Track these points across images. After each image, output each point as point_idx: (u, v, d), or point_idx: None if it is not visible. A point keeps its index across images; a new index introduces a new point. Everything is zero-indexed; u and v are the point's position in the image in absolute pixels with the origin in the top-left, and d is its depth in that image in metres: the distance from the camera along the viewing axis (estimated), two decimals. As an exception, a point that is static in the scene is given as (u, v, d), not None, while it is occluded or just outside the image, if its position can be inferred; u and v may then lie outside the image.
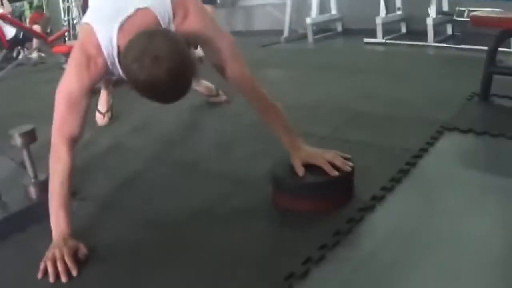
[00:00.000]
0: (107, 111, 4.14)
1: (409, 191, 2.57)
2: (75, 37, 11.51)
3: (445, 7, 7.56)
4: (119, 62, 2.29)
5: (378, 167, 2.82)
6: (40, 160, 3.09)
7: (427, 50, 6.77)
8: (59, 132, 2.41)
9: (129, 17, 2.31)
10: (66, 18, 12.90)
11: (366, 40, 7.33)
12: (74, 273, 2.09)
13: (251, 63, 2.86)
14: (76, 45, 2.42)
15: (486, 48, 3.83)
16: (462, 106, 3.75)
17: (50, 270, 2.09)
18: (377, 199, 2.44)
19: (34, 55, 9.62)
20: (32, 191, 2.72)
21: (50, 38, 9.48)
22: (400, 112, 3.34)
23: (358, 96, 3.84)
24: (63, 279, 2.06)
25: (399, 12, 7.84)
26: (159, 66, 1.99)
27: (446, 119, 3.43)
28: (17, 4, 16.41)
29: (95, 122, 4.07)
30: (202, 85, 4.41)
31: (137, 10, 2.33)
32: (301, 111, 3.93)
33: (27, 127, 2.66)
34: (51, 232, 2.33)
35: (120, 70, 2.33)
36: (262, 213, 2.46)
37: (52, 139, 2.42)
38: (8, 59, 9.52)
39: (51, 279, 2.07)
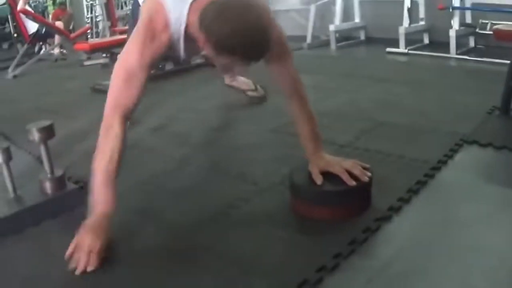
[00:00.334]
0: None
1: (426, 203, 2.55)
2: (97, 34, 11.56)
3: (468, 20, 7.54)
4: (188, 34, 2.31)
5: (396, 178, 2.81)
6: (57, 156, 3.13)
7: (449, 62, 6.74)
8: (114, 105, 2.37)
9: None
10: (89, 16, 12.93)
11: (388, 49, 7.31)
12: (91, 269, 2.11)
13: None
14: (142, 20, 2.37)
15: (508, 62, 3.79)
16: (482, 120, 3.73)
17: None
18: (394, 209, 2.43)
19: (56, 51, 9.66)
20: (48, 187, 2.71)
21: (72, 35, 9.52)
22: (421, 123, 3.33)
23: (380, 105, 3.83)
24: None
25: (422, 23, 7.82)
26: (250, 13, 2.04)
27: (465, 132, 3.41)
28: (41, 0, 16.48)
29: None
30: (240, 80, 4.44)
31: None
32: (323, 118, 3.88)
33: (45, 123, 2.66)
34: (65, 227, 2.39)
35: (181, 47, 2.38)
36: (279, 219, 2.45)
37: (105, 112, 2.38)
38: (30, 54, 9.56)
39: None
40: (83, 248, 2.14)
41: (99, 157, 2.34)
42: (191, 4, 2.28)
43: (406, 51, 7.21)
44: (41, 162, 2.78)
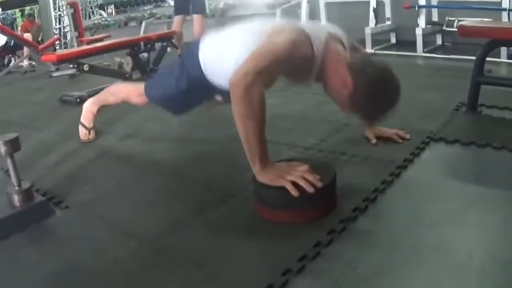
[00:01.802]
0: (93, 127, 3.98)
1: (392, 202, 2.55)
2: (65, 45, 11.52)
3: (435, 17, 7.59)
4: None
5: (362, 178, 2.80)
6: (25, 168, 3.13)
7: (416, 60, 6.79)
8: (256, 71, 2.40)
9: (331, 33, 2.72)
10: (57, 27, 12.89)
11: (354, 50, 7.34)
12: (320, 184, 2.33)
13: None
14: (289, 34, 2.55)
15: (474, 57, 3.81)
16: (449, 117, 3.75)
17: (302, 183, 2.32)
18: (359, 210, 2.41)
19: (25, 63, 9.64)
20: (16, 199, 2.68)
21: (41, 46, 9.49)
22: (387, 122, 3.31)
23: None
24: (311, 190, 2.31)
25: (388, 23, 7.88)
26: (399, 87, 2.66)
27: (432, 130, 3.43)
28: (9, 11, 16.46)
29: (78, 133, 4.01)
30: None
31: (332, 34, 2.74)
32: (288, 121, 3.93)
33: (11, 135, 2.62)
34: (34, 240, 2.43)
35: (313, 73, 2.68)
36: (244, 224, 2.44)
37: (249, 80, 2.37)
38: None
39: (310, 188, 2.31)
40: (296, 173, 2.37)
41: (249, 124, 2.40)
42: (327, 38, 2.66)
43: (372, 51, 7.25)
44: (8, 175, 2.75)
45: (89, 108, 3.96)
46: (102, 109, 3.96)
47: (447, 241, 2.14)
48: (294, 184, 2.33)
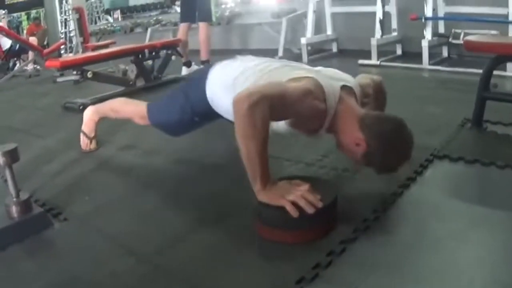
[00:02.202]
0: (95, 137, 3.96)
1: (393, 222, 2.53)
2: (71, 50, 11.52)
3: (441, 29, 7.56)
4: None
5: (364, 197, 2.77)
6: (26, 177, 3.21)
7: (422, 73, 6.75)
8: (268, 95, 2.37)
9: (344, 86, 2.73)
10: (63, 31, 12.88)
11: (360, 61, 7.31)
12: (320, 205, 2.30)
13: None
14: (304, 87, 2.53)
15: (481, 71, 3.78)
16: (454, 133, 3.72)
17: (302, 203, 2.28)
18: (360, 230, 2.38)
19: (30, 67, 9.64)
20: (14, 210, 2.66)
21: (46, 50, 9.49)
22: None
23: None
24: (312, 210, 2.27)
25: (394, 34, 7.85)
26: (411, 137, 2.64)
27: (436, 146, 3.39)
28: (15, 14, 16.49)
29: (79, 142, 3.99)
30: None
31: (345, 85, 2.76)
32: (289, 136, 3.89)
33: (10, 146, 2.60)
34: (32, 251, 2.44)
35: (324, 127, 2.67)
36: (243, 243, 2.40)
37: (255, 99, 2.32)
38: (4, 70, 9.55)
39: (310, 210, 2.27)
40: (297, 193, 2.34)
41: (252, 142, 2.35)
42: (341, 95, 2.66)
43: (378, 62, 7.23)
44: (7, 184, 2.72)
45: (90, 116, 3.94)
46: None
47: (448, 263, 2.10)
48: (295, 204, 2.29)
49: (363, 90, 2.95)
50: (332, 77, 2.77)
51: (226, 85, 2.93)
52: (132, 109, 3.66)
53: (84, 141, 3.95)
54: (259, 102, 2.30)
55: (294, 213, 2.27)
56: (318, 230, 2.35)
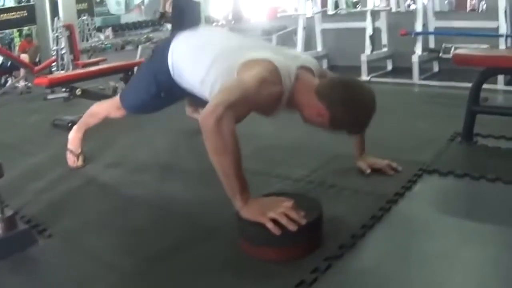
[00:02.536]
0: (81, 153, 3.95)
1: (380, 239, 2.48)
2: (63, 67, 11.49)
3: (432, 44, 7.57)
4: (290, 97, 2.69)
5: (350, 213, 2.73)
6: (12, 194, 3.18)
7: (413, 88, 6.77)
8: (228, 104, 2.37)
9: (302, 65, 2.78)
10: (55, 48, 12.85)
11: (350, 78, 7.31)
12: (303, 222, 2.26)
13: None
14: (259, 70, 2.58)
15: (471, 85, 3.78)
16: (443, 147, 3.72)
17: (284, 221, 2.24)
18: (346, 247, 2.34)
19: (21, 84, 9.62)
20: (-2, 227, 2.64)
21: (37, 68, 9.48)
22: (379, 153, 3.27)
23: (338, 136, 3.75)
24: (294, 228, 2.23)
25: (385, 49, 7.87)
26: (371, 94, 2.67)
27: (426, 161, 3.38)
28: (7, 31, 16.49)
29: (66, 159, 3.96)
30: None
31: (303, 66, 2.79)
32: (279, 151, 3.89)
33: (-6, 163, 2.57)
34: (16, 268, 2.41)
35: (281, 107, 2.72)
36: (227, 261, 2.36)
37: (216, 103, 2.38)
38: (-4, 86, 9.56)
39: (292, 227, 2.22)
40: (279, 210, 2.29)
41: (224, 158, 2.37)
42: (297, 72, 2.70)
43: (368, 78, 7.23)
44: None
45: (74, 134, 3.96)
46: (88, 134, 3.97)
47: (437, 281, 2.07)
48: (277, 221, 2.27)
49: (322, 72, 3.01)
50: (291, 57, 2.84)
51: (187, 60, 3.10)
52: (107, 105, 3.82)
53: (70, 158, 3.94)
54: (224, 115, 2.32)
55: (275, 231, 2.24)
56: (302, 247, 2.31)
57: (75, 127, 4.00)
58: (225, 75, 2.75)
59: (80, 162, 3.93)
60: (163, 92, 3.33)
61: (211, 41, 3.14)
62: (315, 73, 2.84)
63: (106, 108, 3.82)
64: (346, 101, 2.56)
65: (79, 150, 3.94)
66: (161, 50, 3.30)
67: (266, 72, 2.57)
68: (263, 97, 2.54)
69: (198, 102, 3.41)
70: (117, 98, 3.70)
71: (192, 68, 3.05)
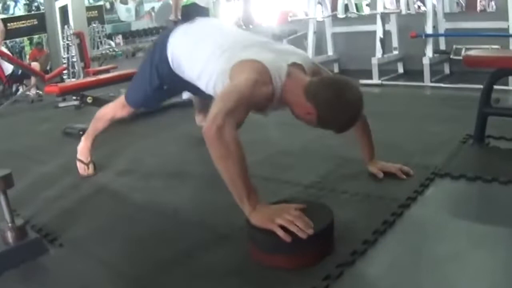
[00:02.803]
0: (90, 161, 3.97)
1: (393, 244, 2.46)
2: (74, 75, 11.53)
3: (442, 46, 7.54)
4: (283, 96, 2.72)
5: (362, 219, 2.71)
6: (23, 203, 3.23)
7: (424, 91, 6.74)
8: (226, 112, 2.41)
9: (294, 63, 2.80)
10: (65, 56, 12.90)
11: (362, 81, 7.28)
12: (311, 231, 2.22)
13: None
14: (249, 72, 2.64)
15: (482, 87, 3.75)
16: (455, 150, 3.69)
17: (294, 228, 2.23)
18: (358, 253, 2.32)
19: (32, 92, 9.65)
20: (9, 236, 2.63)
21: (47, 76, 9.50)
22: (391, 157, 3.26)
23: (349, 141, 3.75)
24: (304, 235, 2.21)
25: (395, 52, 7.84)
26: (357, 94, 2.66)
27: (438, 165, 3.35)
28: (17, 39, 16.56)
29: (77, 168, 3.98)
30: None
31: (294, 63, 2.81)
32: (289, 157, 3.87)
33: (3, 171, 2.57)
34: (27, 277, 2.43)
35: (272, 106, 2.77)
36: (237, 268, 2.35)
37: (216, 113, 2.41)
38: (7, 95, 9.57)
39: (302, 234, 2.21)
40: (288, 217, 2.28)
41: (228, 164, 2.38)
42: (288, 71, 2.72)
43: (380, 82, 7.21)
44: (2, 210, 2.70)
45: (83, 144, 4.00)
46: (98, 143, 4.01)
47: (449, 285, 2.06)
48: (286, 228, 2.26)
49: (314, 69, 3.01)
50: (283, 54, 2.89)
51: (184, 53, 3.21)
52: (112, 105, 3.85)
53: (81, 167, 3.96)
54: (224, 123, 2.35)
55: (286, 238, 2.22)
56: (313, 254, 2.29)
57: (83, 137, 4.03)
58: (219, 75, 2.86)
59: (90, 171, 3.95)
60: (165, 85, 3.44)
61: (206, 35, 3.19)
62: (306, 70, 2.87)
63: (112, 108, 3.85)
64: (335, 105, 2.58)
65: (89, 159, 3.96)
66: (160, 42, 3.35)
67: (257, 74, 2.63)
68: (256, 98, 2.60)
69: (202, 95, 3.48)
70: (121, 97, 3.75)
71: (189, 62, 3.16)
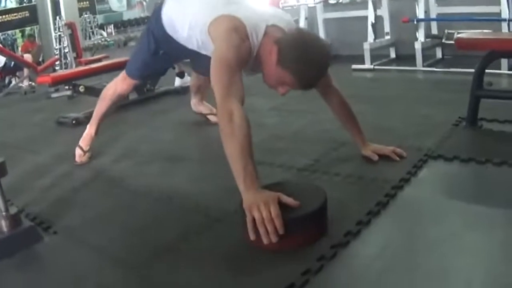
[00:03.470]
0: (89, 150, 4.00)
1: (386, 225, 2.47)
2: (66, 66, 11.52)
3: (434, 30, 7.54)
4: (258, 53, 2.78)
5: (356, 200, 2.72)
6: (18, 192, 3.25)
7: (416, 75, 6.74)
8: (227, 93, 2.52)
9: (269, 26, 2.81)
10: (57, 47, 12.88)
11: (354, 66, 7.29)
12: (281, 231, 2.20)
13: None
14: (227, 28, 2.73)
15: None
16: (448, 132, 3.70)
17: (261, 230, 2.21)
18: (352, 234, 2.33)
19: (25, 83, 9.63)
20: (3, 225, 2.62)
21: (40, 67, 9.49)
22: (384, 140, 3.26)
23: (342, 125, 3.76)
24: (266, 241, 2.21)
25: (387, 37, 7.83)
26: (327, 50, 2.74)
27: (431, 147, 3.37)
28: (9, 32, 16.52)
29: (72, 155, 3.99)
30: (205, 105, 4.65)
31: (274, 25, 2.84)
32: (283, 141, 3.88)
33: (-4, 160, 2.57)
34: (22, 266, 2.42)
35: (250, 63, 2.79)
36: (231, 251, 2.36)
37: (222, 100, 2.52)
38: (0, 87, 9.57)
39: (265, 239, 2.21)
40: (265, 212, 2.23)
41: (232, 141, 2.42)
42: (266, 31, 2.77)
43: (372, 67, 7.21)
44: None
45: (87, 131, 4.03)
46: (101, 128, 4.04)
47: (444, 266, 2.05)
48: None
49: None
50: (266, 14, 2.94)
51: (175, 16, 3.28)
52: (113, 82, 3.92)
53: (78, 154, 3.98)
54: (232, 107, 2.47)
55: (251, 234, 2.26)
56: (306, 235, 2.30)
57: (88, 125, 4.07)
58: (202, 27, 2.96)
59: (85, 158, 3.96)
60: (161, 49, 3.49)
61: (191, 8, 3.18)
62: (285, 31, 2.88)
63: (113, 84, 3.91)
64: (296, 42, 2.64)
65: (88, 147, 3.99)
66: (158, 8, 3.41)
67: (233, 30, 2.71)
68: (242, 57, 2.68)
69: (197, 66, 3.78)
70: (122, 72, 3.82)
71: (180, 22, 3.22)
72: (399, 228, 2.46)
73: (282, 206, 2.27)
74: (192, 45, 3.17)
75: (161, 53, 3.50)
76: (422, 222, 2.47)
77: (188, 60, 4.08)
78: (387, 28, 7.85)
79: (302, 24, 8.47)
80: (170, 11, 3.29)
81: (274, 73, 2.70)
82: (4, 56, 9.66)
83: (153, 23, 3.45)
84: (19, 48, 15.81)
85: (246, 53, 2.70)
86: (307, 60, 2.61)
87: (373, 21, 7.59)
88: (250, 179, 2.35)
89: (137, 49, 3.80)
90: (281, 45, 2.64)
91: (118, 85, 3.83)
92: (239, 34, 2.68)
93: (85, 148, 3.98)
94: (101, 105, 3.95)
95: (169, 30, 3.29)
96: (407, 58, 7.29)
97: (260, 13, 2.92)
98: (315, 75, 2.71)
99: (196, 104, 4.73)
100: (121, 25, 19.79)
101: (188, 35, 3.14)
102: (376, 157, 3.22)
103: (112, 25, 19.67)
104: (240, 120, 2.42)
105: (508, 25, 6.48)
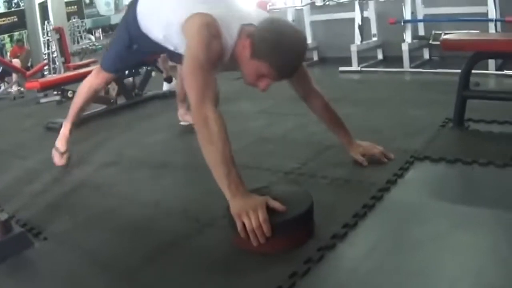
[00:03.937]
0: (66, 151, 3.99)
1: (373, 227, 2.48)
2: (55, 70, 11.50)
3: (422, 32, 7.57)
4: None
5: (342, 203, 2.74)
6: (8, 198, 3.28)
7: (404, 76, 6.76)
8: (201, 97, 2.50)
9: (245, 25, 2.74)
10: (46, 52, 12.86)
11: (341, 68, 7.31)
12: (268, 234, 2.25)
13: (223, 96, 2.86)
14: (199, 26, 2.66)
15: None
16: (435, 133, 3.72)
17: (251, 235, 2.25)
18: (338, 236, 2.34)
19: (14, 89, 9.61)
20: (-7, 231, 2.64)
21: (28, 72, 9.48)
22: (370, 142, 3.28)
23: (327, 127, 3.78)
24: (262, 242, 2.25)
25: (375, 39, 7.85)
26: (300, 35, 2.70)
27: (417, 148, 3.39)
28: (-2, 37, 16.47)
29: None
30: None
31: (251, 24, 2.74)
32: (269, 144, 3.90)
33: (-17, 167, 2.58)
34: (12, 272, 2.42)
35: (225, 60, 2.74)
36: (219, 255, 2.38)
37: (195, 105, 2.51)
38: (-12, 93, 9.57)
39: (255, 243, 2.25)
40: (253, 219, 2.26)
41: (211, 149, 2.42)
42: (240, 30, 2.71)
43: (359, 68, 7.24)
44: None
45: (62, 130, 4.02)
46: (82, 136, 4.01)
47: (430, 267, 2.07)
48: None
49: None
50: (244, 13, 2.91)
51: (150, 14, 3.22)
52: (88, 77, 3.90)
53: (56, 156, 4.00)
54: (206, 110, 2.47)
55: (242, 235, 2.29)
56: (294, 238, 2.32)
57: (63, 122, 4.07)
58: (178, 34, 2.87)
59: (64, 161, 3.98)
60: (135, 44, 3.44)
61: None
62: None
63: (88, 80, 3.90)
64: (269, 33, 2.60)
65: (65, 148, 3.99)
66: (134, 3, 3.36)
67: (205, 29, 2.64)
68: (213, 56, 2.61)
69: (174, 58, 3.80)
70: (96, 67, 3.88)
71: (155, 25, 3.17)
72: (386, 230, 2.47)
73: (269, 210, 2.29)
74: (169, 45, 3.15)
75: (135, 47, 3.47)
76: (408, 223, 2.48)
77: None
78: (374, 30, 7.87)
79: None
80: (145, 11, 3.25)
81: (251, 67, 2.65)
82: (-8, 61, 9.66)
83: (128, 19, 3.41)
84: (8, 53, 15.76)
85: (217, 51, 2.65)
86: (280, 46, 2.56)
87: (360, 23, 7.62)
88: (235, 185, 2.36)
89: (112, 42, 3.79)
90: (253, 37, 2.60)
91: (93, 80, 3.82)
92: (210, 31, 2.63)
93: (62, 149, 3.98)
94: (76, 102, 3.95)
95: (144, 30, 3.27)
96: (394, 59, 7.32)
97: (236, 12, 2.87)
98: (292, 61, 2.66)
99: (183, 115, 4.74)
100: (109, 29, 19.79)
101: (164, 36, 3.11)
102: (365, 163, 3.21)
103: (100, 29, 19.67)
104: (216, 125, 2.42)
105: (495, 25, 6.51)
